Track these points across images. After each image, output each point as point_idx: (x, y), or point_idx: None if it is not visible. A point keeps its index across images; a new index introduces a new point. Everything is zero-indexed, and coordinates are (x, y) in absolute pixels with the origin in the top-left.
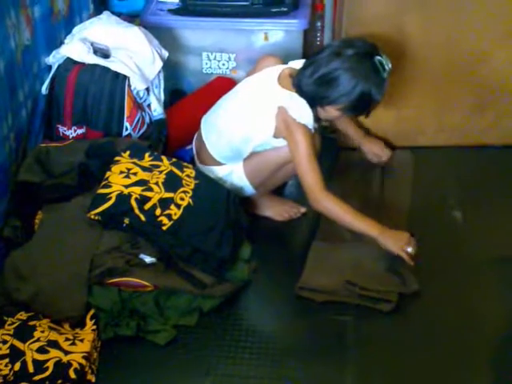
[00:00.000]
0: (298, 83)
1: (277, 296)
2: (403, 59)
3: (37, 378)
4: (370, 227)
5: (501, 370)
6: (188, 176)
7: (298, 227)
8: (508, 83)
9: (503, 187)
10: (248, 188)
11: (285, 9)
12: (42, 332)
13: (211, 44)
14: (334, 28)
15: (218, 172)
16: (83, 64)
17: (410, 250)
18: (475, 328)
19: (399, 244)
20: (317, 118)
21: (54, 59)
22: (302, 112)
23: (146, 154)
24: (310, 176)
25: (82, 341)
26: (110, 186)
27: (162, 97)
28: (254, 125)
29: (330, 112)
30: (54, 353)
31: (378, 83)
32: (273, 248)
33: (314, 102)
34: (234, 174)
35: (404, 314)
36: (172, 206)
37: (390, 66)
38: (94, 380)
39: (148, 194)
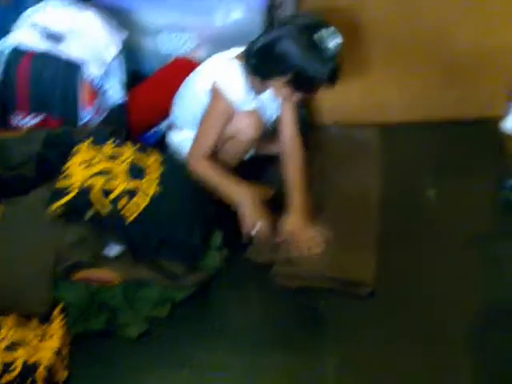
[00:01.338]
0: (245, 54)
1: (250, 283)
2: (367, 33)
3: (4, 379)
4: (230, 191)
5: (479, 350)
6: (154, 162)
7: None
8: (474, 57)
9: (475, 162)
10: None
11: None
12: (9, 330)
13: (170, 24)
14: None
15: (176, 137)
16: (35, 51)
17: (258, 227)
18: (452, 309)
19: (250, 222)
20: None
21: (4, 47)
22: (231, 83)
23: (109, 141)
24: (200, 142)
25: (51, 337)
26: (71, 178)
27: (122, 80)
28: (200, 90)
29: (275, 87)
30: (23, 351)
31: (319, 58)
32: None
33: (257, 74)
34: (187, 142)
35: (379, 297)
36: (138, 196)
37: (335, 42)
38: (65, 376)
39: (112, 184)
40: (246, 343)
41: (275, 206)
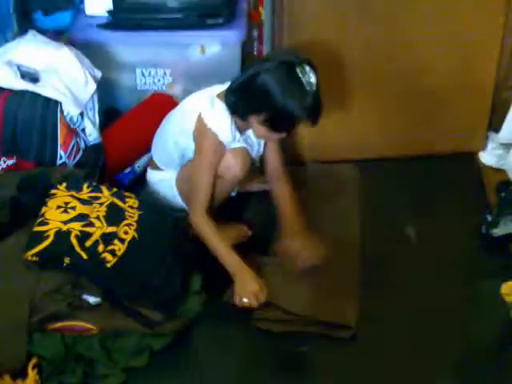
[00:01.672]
0: (227, 91)
1: (231, 328)
2: (345, 69)
3: None
4: (227, 262)
5: None
6: (131, 207)
7: (248, 251)
8: (451, 94)
9: (456, 196)
10: (178, 201)
11: (220, 20)
12: None
13: (145, 59)
14: (273, 38)
15: (155, 176)
16: (10, 90)
17: (245, 301)
18: (436, 350)
19: (242, 292)
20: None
21: None
22: (216, 119)
23: (85, 185)
24: (198, 188)
25: None
26: (47, 223)
27: (97, 120)
28: (179, 129)
29: (255, 126)
30: None
31: (297, 96)
32: (223, 277)
33: (236, 112)
34: (166, 182)
35: (362, 340)
36: (116, 241)
37: (312, 79)
38: None
39: (89, 229)
40: None
41: (256, 247)
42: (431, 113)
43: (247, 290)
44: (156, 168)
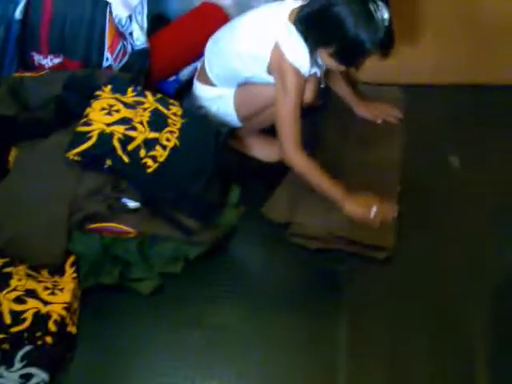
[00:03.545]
0: (295, 19)
1: (266, 243)
2: None
3: (14, 329)
4: (334, 193)
5: (496, 319)
6: (174, 114)
7: (288, 169)
8: (506, 23)
9: (502, 129)
10: (233, 118)
11: None
12: (19, 280)
13: None
14: None
15: (209, 92)
16: None
17: (373, 213)
18: (471, 278)
19: (363, 209)
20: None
21: None
22: (296, 52)
23: (129, 89)
24: (289, 126)
25: (61, 290)
26: (91, 124)
27: (145, 24)
28: (250, 53)
29: (324, 58)
30: (33, 303)
31: (369, 29)
32: (263, 191)
33: (307, 42)
34: (222, 99)
35: (396, 266)
36: (157, 147)
37: (385, 15)
38: (74, 332)
39: (132, 133)
40: (259, 304)
41: None
42: (493, 41)
43: (368, 205)
44: (208, 83)
